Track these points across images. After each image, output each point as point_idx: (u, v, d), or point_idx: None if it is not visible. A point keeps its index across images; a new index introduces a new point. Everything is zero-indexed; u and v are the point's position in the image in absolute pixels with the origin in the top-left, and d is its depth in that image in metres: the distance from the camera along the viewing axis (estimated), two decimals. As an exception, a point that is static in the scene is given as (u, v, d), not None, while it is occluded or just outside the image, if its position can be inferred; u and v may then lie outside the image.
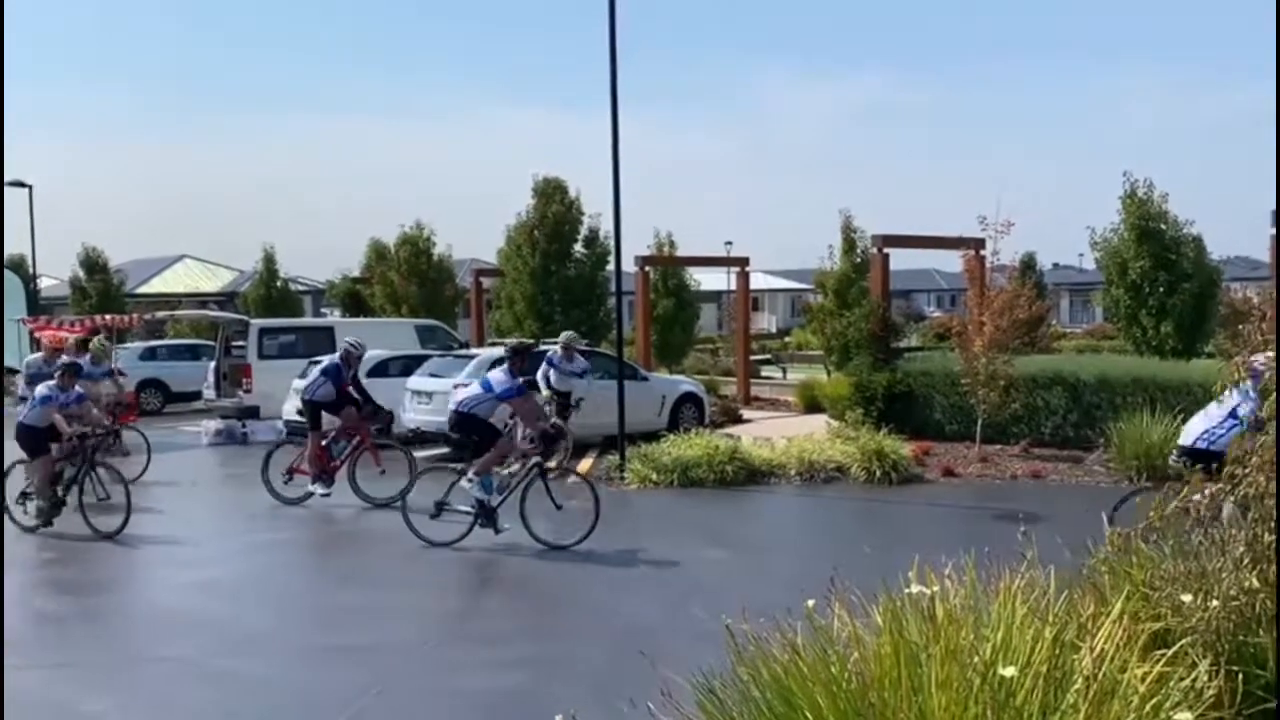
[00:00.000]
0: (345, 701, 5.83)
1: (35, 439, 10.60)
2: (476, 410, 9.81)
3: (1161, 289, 16.94)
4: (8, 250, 40.23)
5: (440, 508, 9.70)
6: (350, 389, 11.93)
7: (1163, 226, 17.19)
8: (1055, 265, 61.63)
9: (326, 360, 12.23)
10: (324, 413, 11.82)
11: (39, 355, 12.68)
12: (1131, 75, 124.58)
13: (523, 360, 10.11)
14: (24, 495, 10.77)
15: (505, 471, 10.01)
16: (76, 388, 11.05)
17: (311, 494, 11.68)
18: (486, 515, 9.60)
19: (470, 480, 9.56)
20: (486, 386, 9.76)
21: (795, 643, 3.72)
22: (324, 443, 11.81)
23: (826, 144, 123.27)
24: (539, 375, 14.12)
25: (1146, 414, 12.89)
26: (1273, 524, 3.77)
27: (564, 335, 14.88)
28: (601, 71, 13.37)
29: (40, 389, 10.95)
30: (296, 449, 12.15)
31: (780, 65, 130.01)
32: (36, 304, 32.98)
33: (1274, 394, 3.82)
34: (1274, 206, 15.80)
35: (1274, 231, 13.51)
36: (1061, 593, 3.98)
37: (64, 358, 12.42)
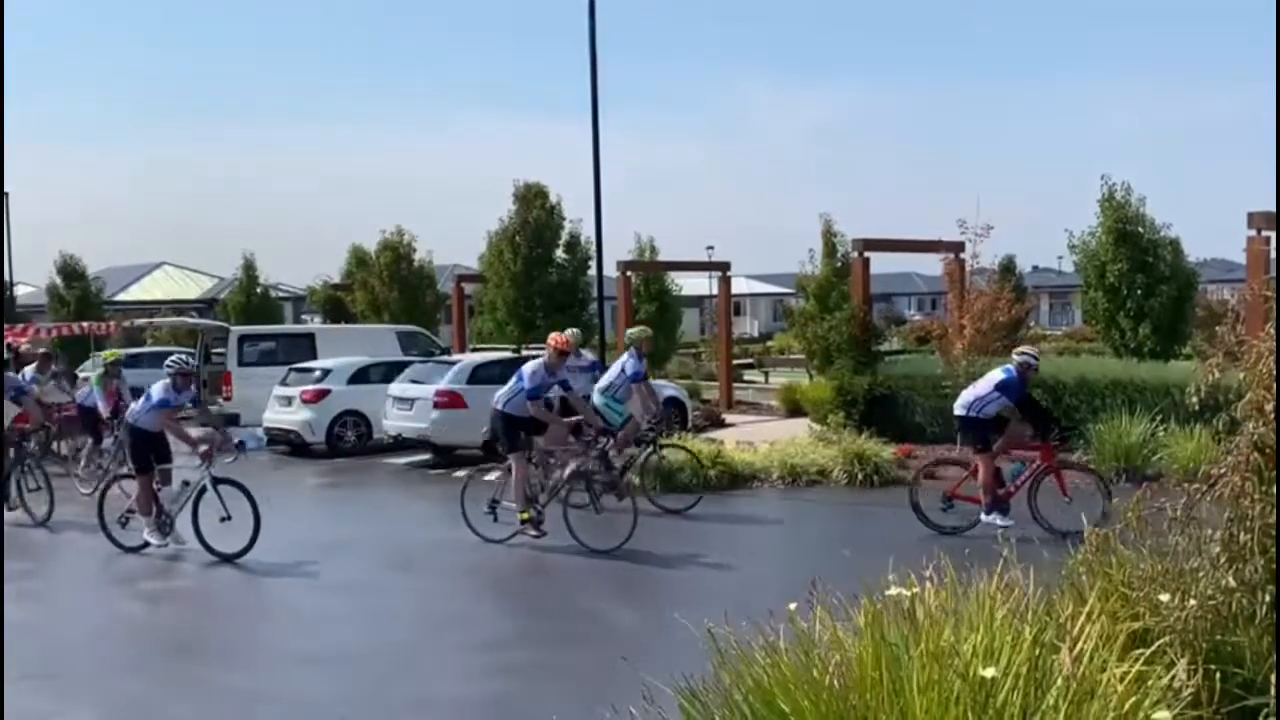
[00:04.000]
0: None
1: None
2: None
3: (1139, 291, 17.05)
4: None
5: None
6: (1026, 404, 10.15)
7: (1140, 229, 17.30)
8: (1035, 268, 61.90)
9: (1003, 374, 10.13)
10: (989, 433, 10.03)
11: (540, 362, 10.16)
12: (1108, 79, 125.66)
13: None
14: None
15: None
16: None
17: (978, 522, 9.73)
18: None
19: None
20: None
21: (777, 646, 3.72)
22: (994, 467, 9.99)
23: (806, 149, 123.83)
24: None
25: (1125, 415, 12.97)
26: (1248, 524, 3.80)
27: (570, 332, 14.52)
28: (582, 78, 13.41)
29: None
30: None
31: (758, 72, 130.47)
32: (13, 312, 32.69)
33: (1273, 392, 3.85)
34: (1272, 208, 15.97)
35: (1258, 232, 13.63)
36: (1041, 593, 4.00)
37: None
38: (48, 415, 14.60)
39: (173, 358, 10.43)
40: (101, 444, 13.87)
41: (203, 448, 9.74)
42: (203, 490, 9.72)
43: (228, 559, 9.33)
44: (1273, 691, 3.48)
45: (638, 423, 11.62)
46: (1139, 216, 17.37)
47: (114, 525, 10.01)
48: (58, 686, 6.34)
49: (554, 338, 10.46)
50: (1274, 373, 3.90)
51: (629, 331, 12.70)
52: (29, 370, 15.55)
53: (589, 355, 14.39)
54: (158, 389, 9.98)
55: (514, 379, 10.32)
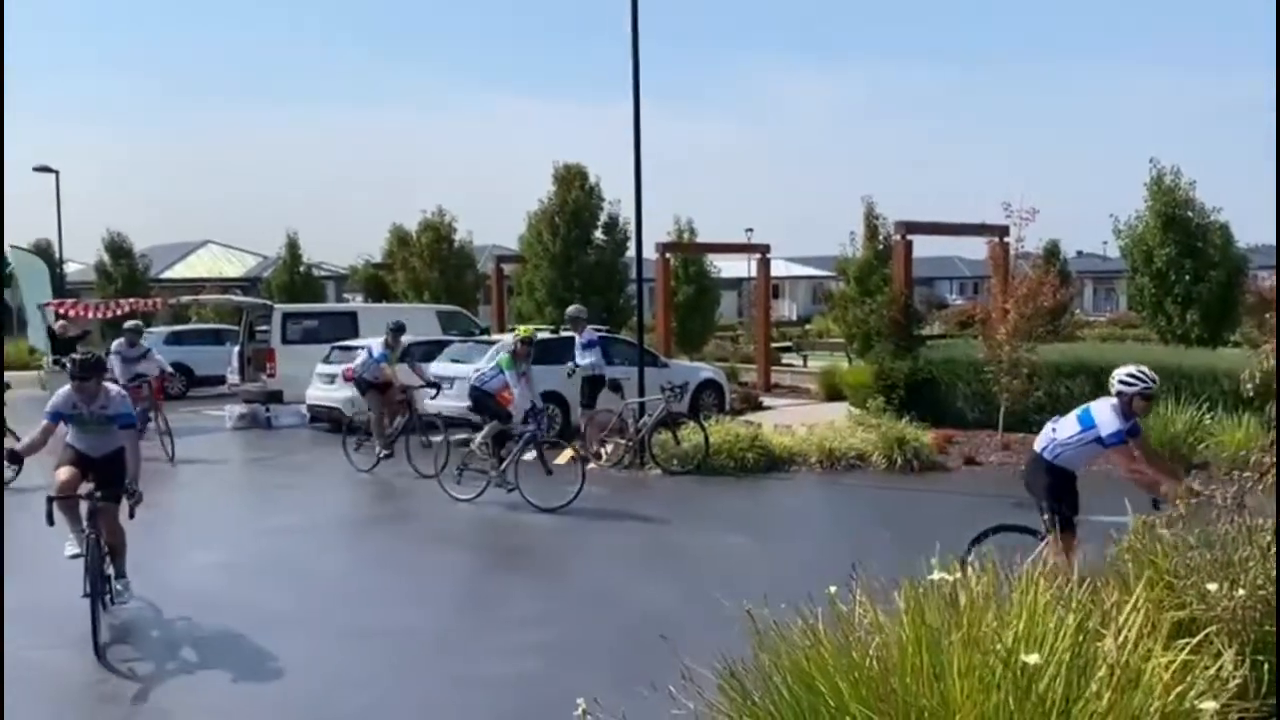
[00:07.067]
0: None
1: None
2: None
3: (1187, 277, 16.79)
4: (34, 235, 40.67)
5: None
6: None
7: (1189, 214, 17.02)
8: (1079, 253, 61.02)
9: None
10: None
11: None
12: (1160, 59, 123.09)
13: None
14: None
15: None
16: None
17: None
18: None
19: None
20: None
21: (816, 628, 3.71)
22: None
23: (845, 132, 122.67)
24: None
25: (1171, 403, 12.79)
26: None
27: (570, 309, 14.66)
28: (621, 62, 13.34)
29: None
30: None
31: (798, 53, 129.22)
32: (63, 288, 33.28)
33: (1274, 391, 3.78)
34: (1275, 203, 15.92)
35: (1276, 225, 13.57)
36: (1084, 580, 3.96)
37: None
38: (402, 394, 13.58)
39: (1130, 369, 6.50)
40: (519, 437, 11.22)
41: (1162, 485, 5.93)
42: None
43: None
44: (1275, 693, 3.42)
45: None
46: (1188, 201, 17.08)
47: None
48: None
49: None
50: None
51: None
52: (376, 346, 13.85)
53: (592, 331, 14.43)
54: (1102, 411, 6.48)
55: None
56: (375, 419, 13.55)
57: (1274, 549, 3.84)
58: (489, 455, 11.16)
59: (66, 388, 7.00)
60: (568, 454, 14.28)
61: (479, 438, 11.39)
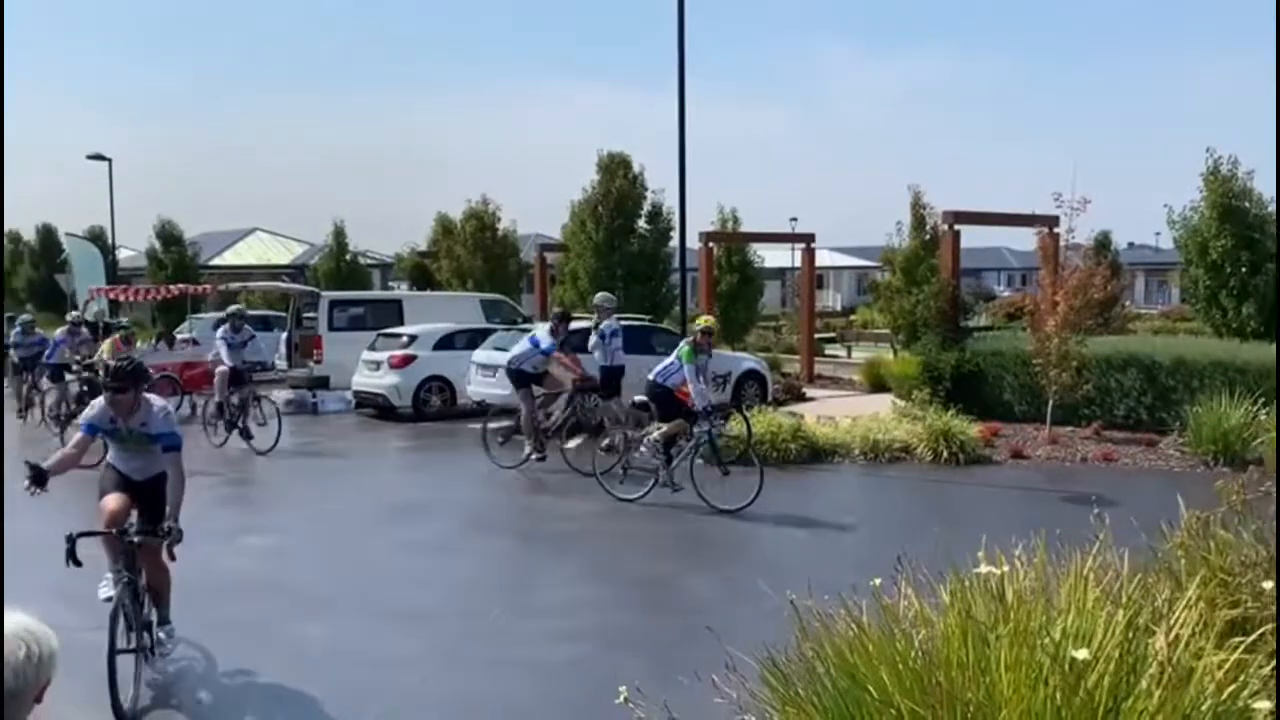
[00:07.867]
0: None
1: None
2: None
3: (1244, 269, 16.42)
4: (88, 222, 41.43)
5: None
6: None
7: (1246, 204, 16.64)
8: (1130, 244, 59.99)
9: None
10: None
11: None
12: (1210, 47, 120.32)
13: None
14: None
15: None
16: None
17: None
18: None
19: None
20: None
21: (861, 620, 3.69)
22: None
23: (892, 121, 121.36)
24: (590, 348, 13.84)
25: (1226, 397, 12.54)
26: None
27: (597, 297, 14.03)
28: (667, 49, 13.30)
29: None
30: None
31: (842, 42, 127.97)
32: (115, 274, 33.92)
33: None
34: (1275, 201, 15.82)
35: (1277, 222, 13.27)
36: (1135, 576, 3.89)
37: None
38: (579, 382, 12.47)
39: None
40: (691, 437, 10.55)
41: None
42: None
43: None
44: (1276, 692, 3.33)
45: None
46: (1245, 191, 16.69)
47: None
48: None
49: None
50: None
51: None
52: (543, 336, 12.57)
53: (615, 321, 13.80)
54: None
55: None
56: (527, 415, 12.38)
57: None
58: (659, 454, 10.46)
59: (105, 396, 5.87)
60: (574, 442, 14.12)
61: (654, 435, 10.58)
